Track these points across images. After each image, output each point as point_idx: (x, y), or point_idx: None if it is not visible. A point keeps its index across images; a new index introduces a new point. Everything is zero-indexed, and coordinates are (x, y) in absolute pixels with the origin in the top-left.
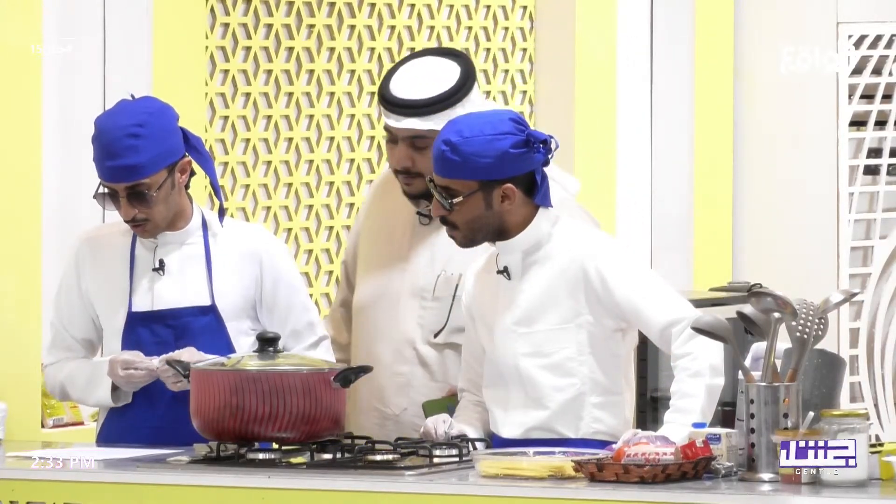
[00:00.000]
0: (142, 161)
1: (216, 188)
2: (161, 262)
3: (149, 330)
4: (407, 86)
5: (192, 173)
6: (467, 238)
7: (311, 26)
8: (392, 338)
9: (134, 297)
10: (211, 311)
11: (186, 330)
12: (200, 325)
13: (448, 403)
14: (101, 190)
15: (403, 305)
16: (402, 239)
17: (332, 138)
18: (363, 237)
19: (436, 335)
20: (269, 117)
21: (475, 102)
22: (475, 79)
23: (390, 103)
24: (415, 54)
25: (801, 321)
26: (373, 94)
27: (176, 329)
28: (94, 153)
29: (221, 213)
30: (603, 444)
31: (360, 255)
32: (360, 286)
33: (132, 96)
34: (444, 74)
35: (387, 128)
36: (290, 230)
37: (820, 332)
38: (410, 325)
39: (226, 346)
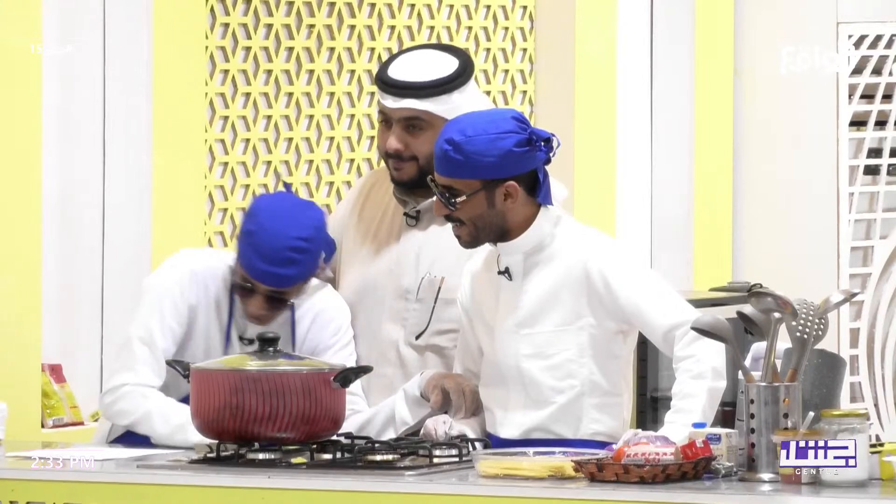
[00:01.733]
0: (296, 274)
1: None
2: (251, 340)
3: None
4: (405, 70)
5: None
6: (472, 236)
7: (311, 26)
8: (376, 339)
9: (228, 353)
10: None
11: None
12: None
13: None
14: (241, 282)
15: (388, 307)
16: (389, 239)
17: (332, 138)
18: (349, 236)
19: (417, 337)
20: (269, 117)
21: (473, 94)
22: (473, 73)
23: (388, 85)
24: (414, 46)
25: (801, 321)
26: (373, 94)
27: None
28: (249, 243)
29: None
30: (601, 445)
31: (344, 252)
32: (343, 285)
33: (289, 188)
34: (443, 63)
35: (381, 110)
36: None
37: (820, 332)
38: (394, 327)
39: None
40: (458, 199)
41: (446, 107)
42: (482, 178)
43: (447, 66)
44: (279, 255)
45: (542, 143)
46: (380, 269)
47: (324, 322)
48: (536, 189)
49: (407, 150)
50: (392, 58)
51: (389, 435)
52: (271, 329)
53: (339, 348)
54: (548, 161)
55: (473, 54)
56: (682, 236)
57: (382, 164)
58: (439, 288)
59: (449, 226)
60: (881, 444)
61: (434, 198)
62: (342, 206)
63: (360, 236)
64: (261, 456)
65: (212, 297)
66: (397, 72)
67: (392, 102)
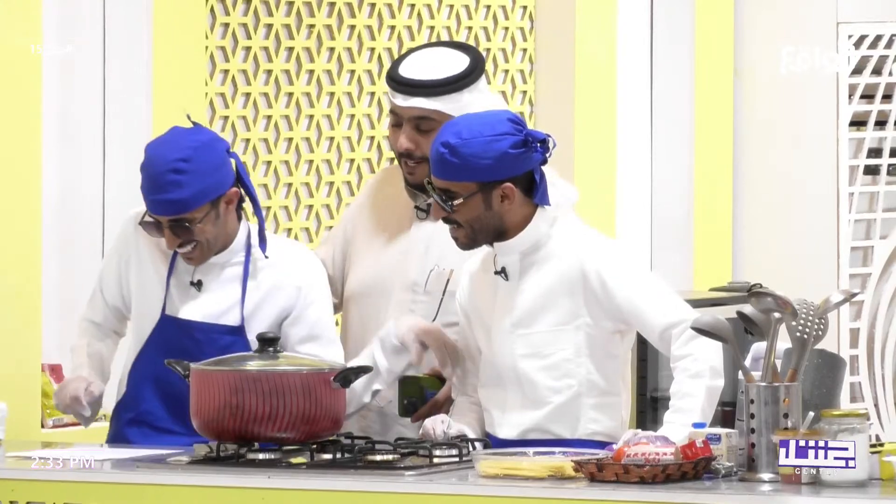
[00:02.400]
0: (184, 196)
1: (260, 219)
2: (200, 281)
3: (175, 337)
4: (416, 68)
5: (241, 200)
6: (469, 238)
7: (311, 26)
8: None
9: (168, 300)
10: (239, 332)
11: (211, 345)
12: (226, 343)
13: (423, 385)
14: (146, 218)
15: (396, 299)
16: (399, 232)
17: (332, 138)
18: (359, 230)
19: None
20: (269, 117)
21: (483, 92)
22: (483, 71)
23: (398, 83)
24: (426, 44)
25: (801, 321)
26: (373, 94)
27: (201, 343)
28: (141, 181)
29: (262, 240)
30: (599, 445)
31: (355, 244)
32: (352, 276)
33: (191, 119)
34: (454, 61)
35: (393, 110)
36: (289, 230)
37: (820, 332)
38: None
39: None
40: (455, 202)
41: (456, 105)
42: (478, 180)
43: (457, 64)
44: (161, 180)
45: (538, 144)
46: (389, 261)
47: (287, 285)
48: (533, 190)
49: (418, 150)
50: (403, 56)
51: (377, 387)
52: (211, 274)
53: (318, 309)
54: (544, 162)
55: None
56: (682, 236)
57: (385, 163)
58: (447, 280)
59: None
60: (881, 444)
61: None
62: (354, 202)
63: (370, 230)
64: (261, 456)
65: (148, 245)
66: (407, 70)
67: (402, 101)
